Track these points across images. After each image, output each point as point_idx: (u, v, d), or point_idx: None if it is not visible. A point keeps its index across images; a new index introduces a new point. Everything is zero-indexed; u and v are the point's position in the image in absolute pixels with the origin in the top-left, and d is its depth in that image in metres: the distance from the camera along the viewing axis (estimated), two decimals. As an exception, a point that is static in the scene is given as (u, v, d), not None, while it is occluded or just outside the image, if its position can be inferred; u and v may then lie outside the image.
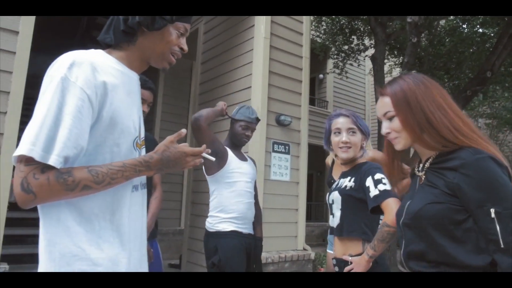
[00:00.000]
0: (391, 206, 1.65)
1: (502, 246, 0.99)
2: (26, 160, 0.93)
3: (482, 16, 6.76)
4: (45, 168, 0.93)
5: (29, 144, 0.92)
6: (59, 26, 9.29)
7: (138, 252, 1.15)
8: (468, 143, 1.11)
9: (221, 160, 2.40)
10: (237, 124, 2.53)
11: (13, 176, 2.69)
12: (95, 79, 1.02)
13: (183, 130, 1.17)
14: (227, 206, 2.39)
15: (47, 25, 7.72)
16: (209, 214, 2.46)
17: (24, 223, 4.92)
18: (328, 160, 2.94)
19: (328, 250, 2.84)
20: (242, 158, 2.57)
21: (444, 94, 1.22)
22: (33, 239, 4.80)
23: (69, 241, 1.00)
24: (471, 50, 7.52)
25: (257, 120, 2.62)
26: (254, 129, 2.61)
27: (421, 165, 1.26)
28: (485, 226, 1.02)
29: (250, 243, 2.46)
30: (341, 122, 1.94)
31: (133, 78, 1.19)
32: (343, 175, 2.01)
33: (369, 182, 1.78)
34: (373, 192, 1.74)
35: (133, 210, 1.14)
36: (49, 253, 1.01)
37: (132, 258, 1.11)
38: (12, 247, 4.34)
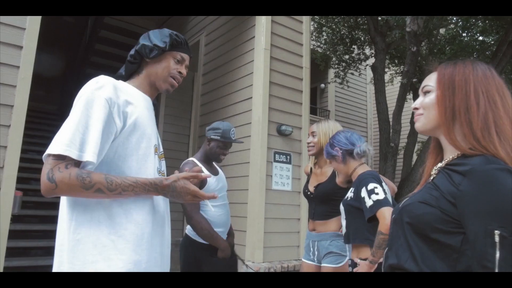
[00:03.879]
0: (384, 215, 1.80)
1: None
2: (54, 156, 1.11)
3: (481, 24, 6.80)
4: (69, 165, 1.11)
5: (64, 145, 1.10)
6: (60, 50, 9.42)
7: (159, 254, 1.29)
8: (500, 150, 0.92)
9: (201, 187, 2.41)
10: (216, 142, 2.51)
11: (16, 189, 2.73)
12: (117, 96, 1.24)
13: (203, 174, 1.34)
14: (212, 219, 2.43)
15: (50, 42, 7.84)
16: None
17: (27, 236, 4.93)
18: (307, 169, 2.89)
19: (303, 259, 2.64)
20: (215, 172, 2.56)
21: (504, 93, 1.02)
22: (36, 251, 4.81)
23: (100, 233, 1.17)
24: (471, 58, 7.55)
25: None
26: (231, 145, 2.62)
27: (439, 164, 1.09)
28: (481, 249, 0.83)
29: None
30: None
31: (147, 99, 1.41)
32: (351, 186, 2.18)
33: (364, 193, 1.94)
34: (368, 202, 1.89)
35: (157, 210, 1.31)
36: (83, 244, 1.16)
37: (151, 257, 1.25)
38: (15, 259, 4.35)
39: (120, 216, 1.20)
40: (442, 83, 1.06)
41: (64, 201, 1.23)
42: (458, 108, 1.01)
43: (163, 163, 1.41)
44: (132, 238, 1.19)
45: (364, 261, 1.93)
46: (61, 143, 1.11)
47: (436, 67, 1.12)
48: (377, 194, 1.87)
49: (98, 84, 1.22)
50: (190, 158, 2.48)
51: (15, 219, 2.95)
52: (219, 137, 2.50)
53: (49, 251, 4.85)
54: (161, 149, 1.42)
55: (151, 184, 1.22)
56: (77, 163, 1.13)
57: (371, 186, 1.92)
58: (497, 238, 0.81)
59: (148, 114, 1.35)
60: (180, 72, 1.44)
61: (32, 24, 2.90)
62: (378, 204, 1.84)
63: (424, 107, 1.09)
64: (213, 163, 2.61)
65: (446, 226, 0.90)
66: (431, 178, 1.06)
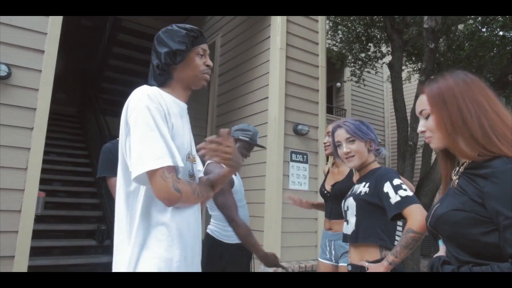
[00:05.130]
0: (416, 212, 1.62)
1: None
2: (167, 170, 1.17)
3: (501, 19, 6.64)
4: (176, 175, 1.22)
5: (158, 159, 1.17)
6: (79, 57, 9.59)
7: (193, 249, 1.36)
8: (505, 151, 1.03)
9: (232, 183, 2.42)
10: (243, 144, 2.51)
11: (39, 190, 2.79)
12: (165, 103, 1.29)
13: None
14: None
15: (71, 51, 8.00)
16: (219, 223, 2.44)
17: (49, 235, 5.05)
18: (325, 169, 2.90)
19: (319, 259, 2.64)
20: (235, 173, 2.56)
21: (487, 93, 1.14)
22: (59, 251, 4.92)
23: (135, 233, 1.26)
24: (491, 54, 7.37)
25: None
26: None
27: (457, 168, 1.19)
28: (509, 238, 0.95)
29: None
30: (339, 134, 1.99)
31: (182, 107, 1.44)
32: (358, 181, 2.00)
33: (387, 188, 1.75)
34: (394, 198, 1.70)
35: (190, 208, 1.38)
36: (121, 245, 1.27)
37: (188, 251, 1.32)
38: (39, 259, 4.46)
39: (152, 217, 1.25)
40: (434, 104, 1.18)
41: (120, 206, 1.30)
42: (456, 122, 1.12)
43: (195, 166, 1.45)
44: (164, 238, 1.23)
45: (373, 263, 1.72)
46: (153, 157, 1.16)
47: (422, 89, 1.24)
48: (405, 190, 1.71)
49: (150, 95, 1.26)
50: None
51: (38, 219, 3.02)
52: (248, 139, 2.50)
53: (70, 251, 4.96)
54: (194, 153, 1.46)
55: (210, 180, 1.45)
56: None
57: (397, 181, 1.75)
58: None
59: (181, 122, 1.37)
60: (207, 65, 1.45)
61: (53, 28, 2.97)
62: (408, 200, 1.67)
63: (430, 129, 1.19)
64: None
65: (483, 227, 1.01)
66: (455, 183, 1.16)
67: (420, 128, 1.23)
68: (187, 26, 1.42)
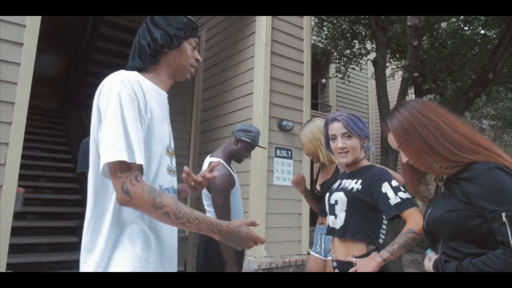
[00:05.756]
0: (417, 215, 1.64)
1: None
2: (120, 169, 1.07)
3: (483, 18, 6.76)
4: (138, 176, 1.09)
5: (115, 151, 1.07)
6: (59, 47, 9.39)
7: (169, 251, 1.28)
8: (472, 158, 1.20)
9: (234, 184, 2.47)
10: (245, 145, 2.54)
11: (18, 186, 2.73)
12: (142, 91, 1.20)
13: (258, 222, 1.30)
14: (236, 215, 2.46)
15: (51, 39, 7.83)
16: None
17: (31, 232, 4.96)
18: (317, 168, 2.94)
19: (311, 252, 2.68)
20: (233, 170, 2.59)
21: (440, 112, 1.30)
22: (40, 248, 4.84)
23: (110, 231, 1.16)
24: (473, 52, 7.51)
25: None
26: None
27: (440, 176, 1.35)
28: (496, 228, 1.12)
29: None
30: (335, 128, 1.94)
31: (163, 95, 1.36)
32: (348, 176, 1.98)
33: (386, 188, 1.74)
34: (394, 199, 1.70)
35: None
36: (98, 244, 1.16)
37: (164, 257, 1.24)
38: (19, 256, 4.38)
39: (127, 213, 1.17)
40: (401, 141, 1.34)
41: (88, 202, 1.21)
42: (423, 150, 1.27)
43: (174, 160, 1.37)
44: (139, 236, 1.16)
45: (361, 258, 1.75)
46: (110, 150, 1.07)
47: (387, 128, 1.39)
48: (404, 192, 1.71)
49: (124, 81, 1.17)
50: (218, 159, 2.44)
51: (18, 216, 2.96)
52: (250, 140, 2.53)
53: (52, 248, 4.88)
54: (173, 146, 1.38)
55: (216, 225, 1.18)
56: (142, 171, 1.12)
57: (395, 183, 1.76)
58: (504, 219, 1.10)
59: (161, 112, 1.29)
60: (197, 60, 1.41)
61: (32, 21, 2.89)
62: (408, 202, 1.68)
63: (410, 159, 1.35)
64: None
65: (475, 220, 1.18)
66: (441, 188, 1.33)
67: (404, 159, 1.37)
68: (190, 17, 1.40)
